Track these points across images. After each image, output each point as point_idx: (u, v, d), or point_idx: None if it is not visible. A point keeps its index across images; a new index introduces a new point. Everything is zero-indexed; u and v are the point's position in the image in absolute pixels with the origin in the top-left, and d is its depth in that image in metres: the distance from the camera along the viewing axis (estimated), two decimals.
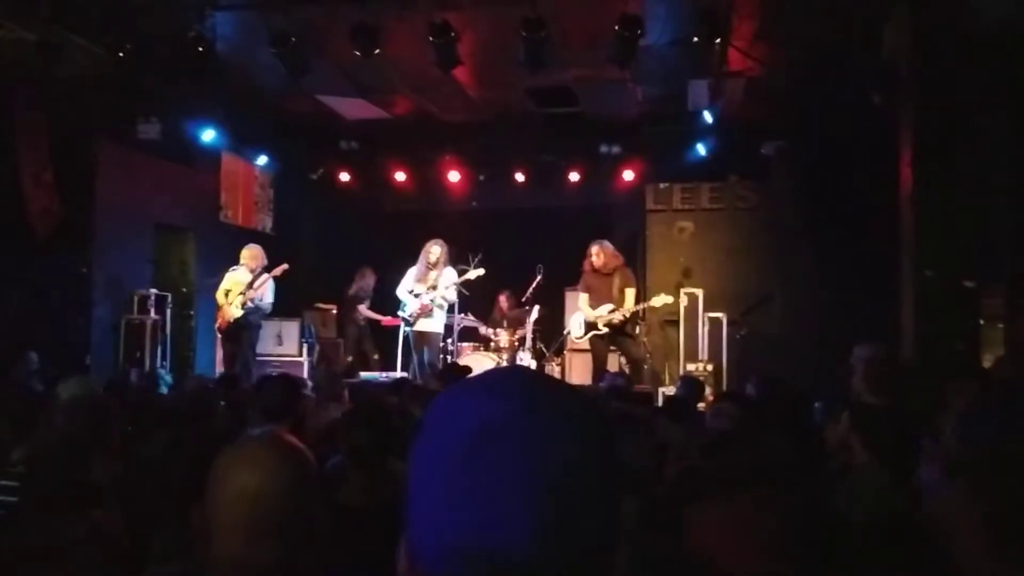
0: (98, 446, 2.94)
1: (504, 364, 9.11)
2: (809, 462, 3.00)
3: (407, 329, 9.24)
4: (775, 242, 10.02)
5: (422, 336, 9.12)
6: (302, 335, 10.34)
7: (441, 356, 9.41)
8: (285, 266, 9.03)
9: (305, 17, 7.08)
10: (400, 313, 9.28)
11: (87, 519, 2.23)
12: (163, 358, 9.25)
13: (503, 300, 10.51)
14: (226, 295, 8.93)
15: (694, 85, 8.91)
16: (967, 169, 5.92)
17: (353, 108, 10.15)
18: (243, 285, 8.88)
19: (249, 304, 8.84)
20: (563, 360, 10.03)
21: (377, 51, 7.15)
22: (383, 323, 10.91)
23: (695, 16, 6.91)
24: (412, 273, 9.23)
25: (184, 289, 10.28)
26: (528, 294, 9.81)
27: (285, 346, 10.24)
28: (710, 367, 9.05)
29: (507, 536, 0.69)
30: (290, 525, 1.54)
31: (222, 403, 5.16)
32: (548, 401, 0.75)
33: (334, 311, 11.30)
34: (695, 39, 6.94)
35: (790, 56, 8.14)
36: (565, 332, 9.72)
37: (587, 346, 8.92)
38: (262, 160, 11.50)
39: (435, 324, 9.16)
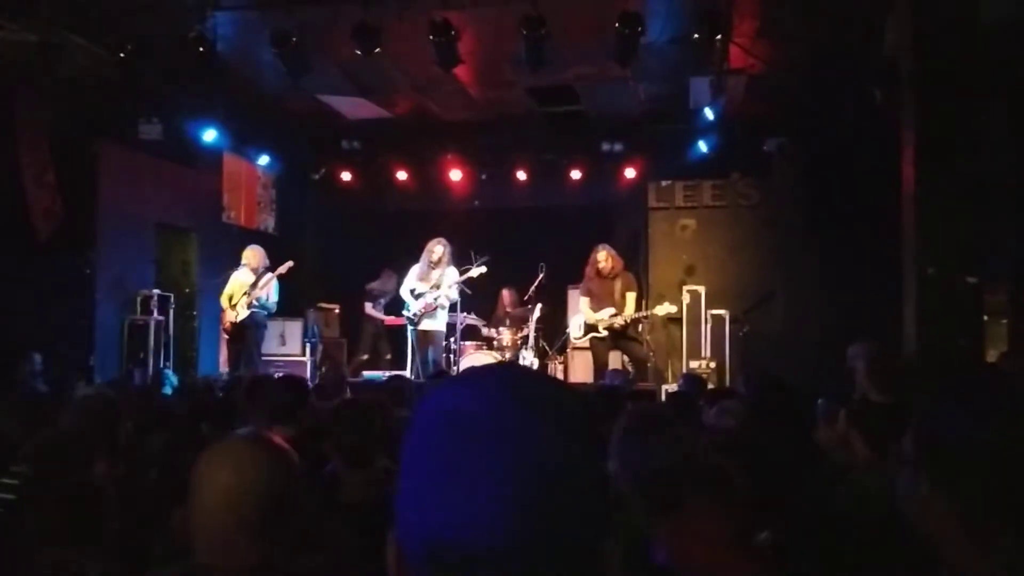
0: (103, 447, 2.93)
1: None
2: (808, 461, 2.99)
3: (411, 329, 9.25)
4: (777, 239, 10.03)
5: (426, 335, 9.12)
6: (305, 335, 10.35)
7: (444, 355, 9.42)
8: (290, 263, 9.04)
9: (306, 17, 7.08)
10: (404, 313, 9.29)
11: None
12: (166, 359, 9.27)
13: (505, 298, 10.50)
14: (229, 299, 8.94)
15: (695, 82, 8.89)
16: (969, 165, 5.90)
17: (354, 108, 10.15)
18: (246, 287, 8.89)
19: (254, 303, 8.85)
20: (566, 359, 10.03)
21: (378, 50, 7.15)
22: (386, 323, 10.92)
23: (696, 13, 6.91)
24: (414, 272, 9.23)
25: (187, 290, 10.29)
26: (530, 292, 9.81)
27: (288, 346, 10.26)
28: (712, 364, 9.06)
29: (484, 527, 0.69)
30: (275, 525, 1.51)
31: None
32: (528, 396, 0.76)
33: (336, 311, 11.31)
34: (696, 36, 6.94)
35: (791, 53, 8.13)
36: (567, 331, 9.72)
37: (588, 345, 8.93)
38: (264, 160, 11.50)
39: (438, 323, 9.16)
